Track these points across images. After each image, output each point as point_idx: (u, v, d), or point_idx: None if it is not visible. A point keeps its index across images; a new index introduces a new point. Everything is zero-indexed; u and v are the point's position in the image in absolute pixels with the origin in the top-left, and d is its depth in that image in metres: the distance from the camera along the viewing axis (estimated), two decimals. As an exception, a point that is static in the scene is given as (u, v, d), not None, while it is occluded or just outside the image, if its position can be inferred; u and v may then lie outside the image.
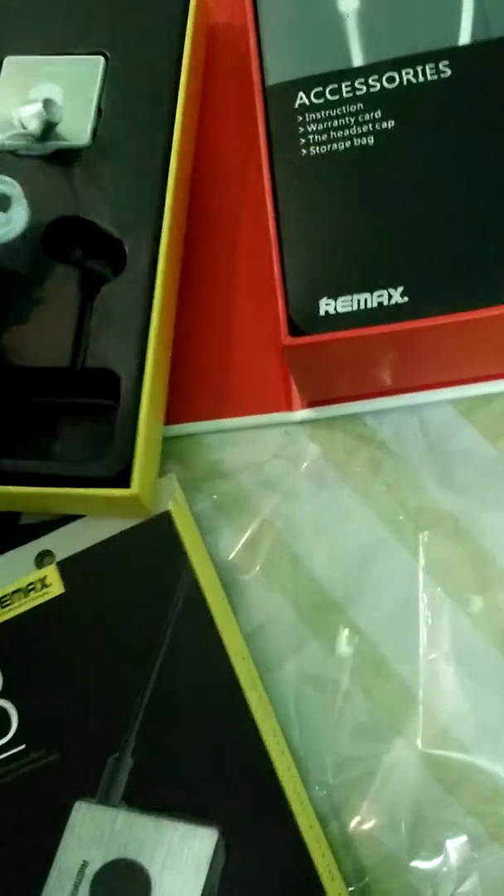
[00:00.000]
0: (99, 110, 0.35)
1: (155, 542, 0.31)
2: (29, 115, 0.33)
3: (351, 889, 0.28)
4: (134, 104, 0.35)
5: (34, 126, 0.33)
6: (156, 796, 0.28)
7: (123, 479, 0.30)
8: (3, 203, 0.32)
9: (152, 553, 0.31)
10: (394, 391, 0.33)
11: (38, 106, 0.33)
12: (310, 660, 0.31)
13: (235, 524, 0.33)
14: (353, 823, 0.29)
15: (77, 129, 0.35)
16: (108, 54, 0.36)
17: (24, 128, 0.34)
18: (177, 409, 0.34)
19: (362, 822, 0.29)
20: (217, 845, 0.27)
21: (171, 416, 0.34)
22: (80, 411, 0.33)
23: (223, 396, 0.34)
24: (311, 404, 0.34)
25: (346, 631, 0.31)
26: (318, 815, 0.29)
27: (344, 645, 0.31)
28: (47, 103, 0.34)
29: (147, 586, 0.30)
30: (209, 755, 0.28)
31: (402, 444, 0.33)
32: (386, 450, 0.33)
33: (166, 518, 0.31)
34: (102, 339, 0.32)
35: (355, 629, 0.31)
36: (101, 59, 0.36)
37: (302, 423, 0.34)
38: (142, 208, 0.33)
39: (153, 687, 0.29)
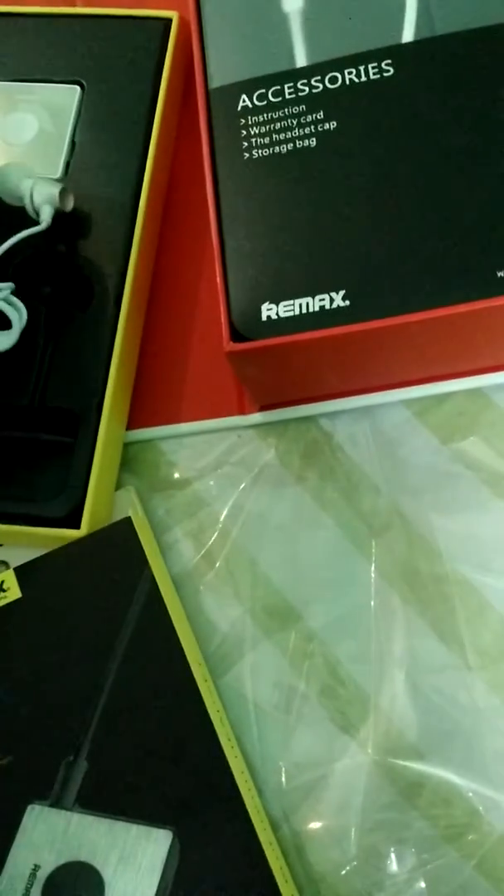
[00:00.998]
0: (73, 143, 0.35)
1: (115, 548, 0.31)
2: (42, 202, 0.32)
3: (302, 894, 0.28)
4: (108, 137, 0.35)
5: (46, 215, 0.32)
6: (110, 799, 0.28)
7: (74, 520, 0.30)
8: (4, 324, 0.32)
9: (112, 559, 0.31)
10: (347, 393, 0.33)
11: (55, 193, 0.32)
12: (263, 663, 0.31)
13: (190, 529, 0.33)
14: (304, 828, 0.29)
15: (49, 161, 0.34)
16: (84, 83, 0.36)
17: (37, 213, 0.32)
18: (131, 414, 0.34)
19: (313, 827, 0.29)
20: (171, 847, 0.27)
21: (127, 422, 0.34)
22: (40, 448, 0.33)
23: (177, 402, 0.34)
24: (264, 408, 0.33)
25: (302, 635, 0.31)
26: (271, 820, 0.29)
27: (299, 649, 0.31)
28: (63, 193, 0.32)
29: (106, 591, 0.30)
30: (164, 758, 0.28)
31: (355, 446, 0.33)
32: (340, 452, 0.33)
33: (127, 524, 0.31)
34: (63, 377, 0.32)
35: (310, 633, 0.31)
36: (78, 88, 0.36)
37: (255, 426, 0.34)
38: (111, 244, 0.33)
39: (110, 690, 0.29)
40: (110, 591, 0.30)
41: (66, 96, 0.35)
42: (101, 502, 0.31)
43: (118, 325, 0.32)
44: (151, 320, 0.35)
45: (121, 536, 0.31)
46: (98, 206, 0.34)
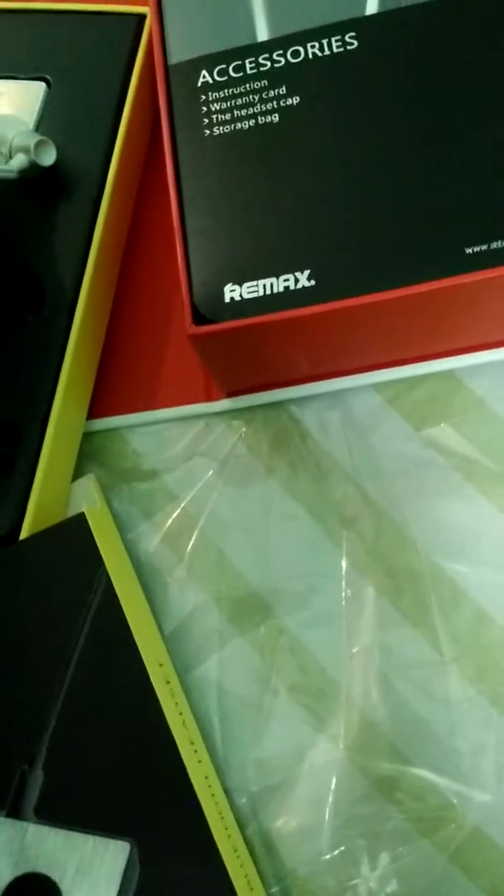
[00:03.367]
0: None
1: (67, 547, 0.29)
2: (18, 146, 0.31)
3: (273, 891, 0.28)
4: (72, 136, 0.33)
5: (17, 163, 0.31)
6: (68, 809, 0.27)
7: (12, 537, 0.29)
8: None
9: (64, 558, 0.29)
10: (316, 377, 0.32)
11: (33, 142, 0.31)
12: (233, 658, 0.30)
13: (157, 521, 0.32)
14: (275, 825, 0.28)
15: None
16: (50, 80, 0.34)
17: (7, 156, 0.31)
18: (95, 403, 0.33)
19: (285, 824, 0.28)
20: (130, 858, 0.26)
21: (90, 411, 0.33)
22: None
23: (143, 389, 0.33)
24: (231, 394, 0.33)
25: (272, 628, 0.30)
26: (241, 819, 0.28)
27: (269, 642, 0.30)
28: (41, 145, 0.31)
29: (59, 592, 0.29)
30: (122, 767, 0.27)
31: (325, 433, 0.32)
32: (310, 439, 0.32)
33: (80, 521, 0.30)
34: (7, 387, 0.30)
35: (281, 626, 0.30)
36: (44, 84, 0.34)
37: (222, 413, 0.33)
38: (70, 246, 0.32)
39: (65, 697, 0.28)
40: (64, 591, 0.29)
41: (32, 92, 0.34)
42: (44, 518, 0.30)
43: (71, 333, 0.30)
44: (117, 306, 0.34)
45: (74, 533, 0.29)
46: (60, 206, 0.32)
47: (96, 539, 0.29)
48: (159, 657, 0.29)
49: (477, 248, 0.26)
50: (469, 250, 0.26)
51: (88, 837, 0.26)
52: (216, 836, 0.26)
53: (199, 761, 0.28)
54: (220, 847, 0.26)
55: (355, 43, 0.29)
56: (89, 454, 0.33)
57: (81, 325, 0.31)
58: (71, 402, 0.31)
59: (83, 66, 0.34)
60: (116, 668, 0.28)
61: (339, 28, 0.29)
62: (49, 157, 0.32)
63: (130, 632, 0.28)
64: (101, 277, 0.32)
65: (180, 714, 0.28)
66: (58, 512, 0.31)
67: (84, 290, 0.31)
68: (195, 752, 0.28)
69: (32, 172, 0.31)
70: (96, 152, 0.33)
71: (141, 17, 0.35)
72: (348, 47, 0.29)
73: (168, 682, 0.29)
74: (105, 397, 0.33)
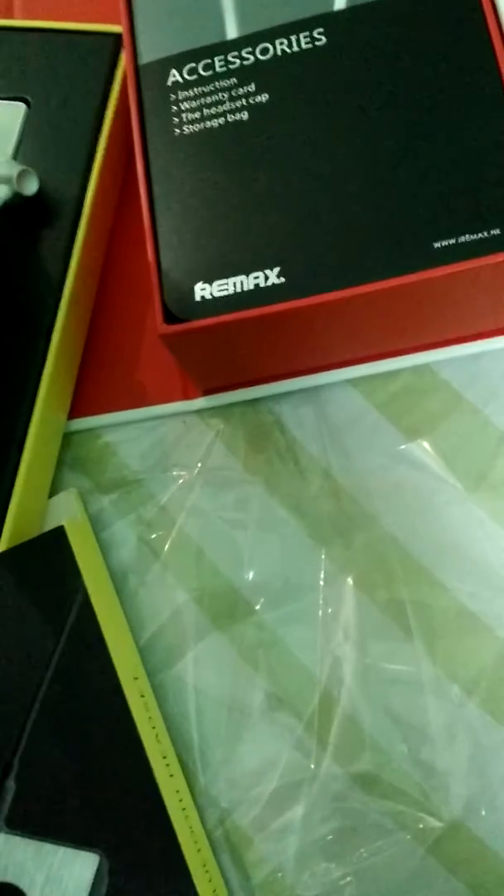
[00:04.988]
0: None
1: (46, 560, 0.29)
2: (0, 177, 0.31)
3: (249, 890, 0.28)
4: (54, 157, 0.33)
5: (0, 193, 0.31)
6: (38, 820, 0.27)
7: None
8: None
9: (42, 571, 0.29)
10: (291, 374, 0.32)
11: (15, 172, 0.31)
12: (210, 655, 0.30)
13: (134, 520, 0.32)
14: (251, 820, 0.28)
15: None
16: (30, 100, 0.34)
17: None
18: (72, 403, 0.33)
19: (263, 818, 0.28)
20: (99, 869, 0.26)
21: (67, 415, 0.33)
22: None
23: (121, 389, 0.33)
24: (208, 392, 0.33)
25: (250, 625, 0.30)
26: (213, 834, 0.29)
27: (248, 639, 0.30)
28: (23, 175, 0.31)
29: (36, 606, 0.29)
30: (94, 780, 0.27)
31: (302, 429, 0.32)
32: (287, 435, 0.32)
33: (60, 535, 0.30)
34: None
35: (259, 623, 0.30)
36: (23, 105, 0.33)
37: (199, 411, 0.33)
38: (49, 272, 0.31)
39: (38, 710, 0.28)
40: (41, 605, 0.29)
41: (11, 113, 0.33)
42: (23, 528, 0.30)
43: (49, 351, 0.30)
44: (94, 307, 0.34)
45: (52, 548, 0.29)
46: (38, 231, 0.32)
47: (75, 553, 0.29)
48: (134, 671, 0.29)
49: (444, 243, 0.26)
50: (437, 245, 0.26)
51: (58, 848, 0.26)
52: (185, 850, 0.26)
53: (171, 775, 0.28)
54: (188, 861, 0.27)
55: (323, 39, 0.29)
56: (67, 455, 0.33)
57: (60, 343, 0.31)
58: (50, 417, 0.31)
59: (62, 86, 0.34)
60: (91, 682, 0.28)
61: (307, 24, 0.29)
62: (32, 187, 0.31)
63: (106, 646, 0.28)
64: (80, 293, 0.32)
65: (153, 728, 0.28)
66: (37, 522, 0.31)
67: (62, 310, 0.31)
68: (167, 765, 0.28)
69: (14, 201, 0.31)
70: (75, 173, 0.33)
71: (118, 36, 0.34)
72: (317, 43, 0.29)
73: (142, 696, 0.29)
74: (83, 397, 0.33)
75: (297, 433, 0.32)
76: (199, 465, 0.32)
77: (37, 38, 0.34)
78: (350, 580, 0.31)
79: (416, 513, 0.31)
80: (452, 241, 0.26)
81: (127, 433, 0.33)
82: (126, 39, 0.31)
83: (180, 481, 0.32)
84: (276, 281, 0.27)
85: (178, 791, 0.28)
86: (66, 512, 0.31)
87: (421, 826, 0.28)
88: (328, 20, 0.29)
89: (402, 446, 0.32)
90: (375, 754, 0.29)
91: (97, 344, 0.34)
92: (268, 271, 0.27)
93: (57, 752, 0.27)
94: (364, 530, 0.31)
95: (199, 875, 0.26)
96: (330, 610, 0.30)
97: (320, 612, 0.30)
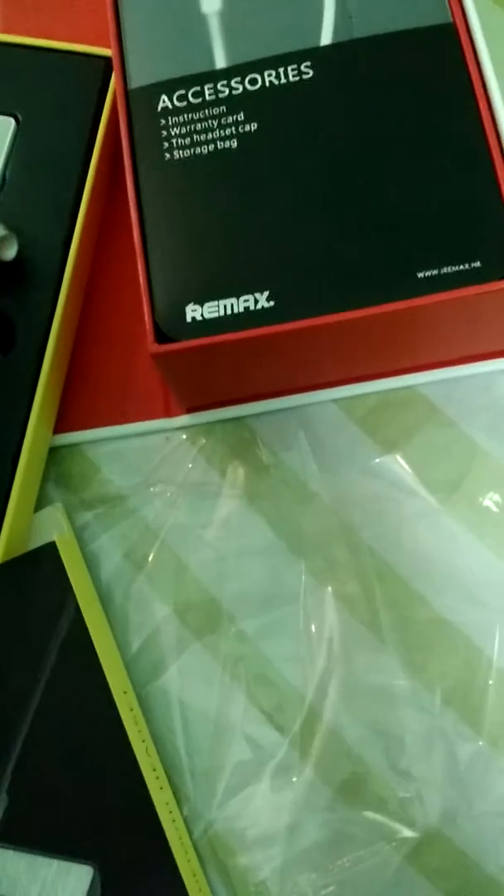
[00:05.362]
0: (3, 178, 0.33)
1: (37, 576, 0.30)
2: None
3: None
4: (42, 174, 0.33)
5: None
6: (31, 833, 0.27)
7: None
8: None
9: (34, 586, 0.30)
10: (276, 393, 0.33)
11: None
12: (193, 667, 0.31)
13: (118, 534, 0.32)
14: (235, 830, 0.29)
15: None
16: (19, 116, 0.34)
17: None
18: (57, 418, 0.33)
19: (245, 830, 0.29)
20: (93, 882, 0.26)
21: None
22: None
23: (101, 405, 0.34)
24: (191, 409, 0.33)
25: (233, 637, 0.31)
26: (198, 845, 0.29)
27: (231, 652, 0.31)
28: (3, 240, 0.31)
29: (28, 620, 0.29)
30: (86, 792, 0.28)
31: (284, 447, 0.33)
32: (269, 453, 0.33)
33: (51, 550, 0.30)
34: None
35: (242, 635, 0.31)
36: (12, 120, 0.34)
37: (182, 428, 0.33)
38: (39, 287, 0.32)
39: (31, 723, 0.28)
40: (33, 619, 0.29)
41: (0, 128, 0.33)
42: (10, 546, 0.30)
43: (42, 370, 0.31)
44: (79, 324, 0.35)
45: (44, 563, 0.30)
46: (27, 247, 0.32)
47: (66, 568, 0.29)
48: (123, 685, 0.29)
49: (428, 273, 0.27)
50: (420, 275, 0.27)
51: (51, 861, 0.27)
52: (178, 861, 0.27)
53: (161, 787, 0.28)
54: (181, 871, 0.27)
55: (311, 72, 0.30)
56: (50, 470, 0.33)
57: (52, 361, 0.31)
58: (41, 434, 0.31)
59: (52, 104, 0.34)
60: (84, 696, 0.28)
61: (295, 57, 0.30)
62: (11, 252, 0.32)
63: (98, 660, 0.29)
64: (70, 316, 0.33)
65: (143, 741, 0.29)
66: (24, 538, 0.31)
67: (54, 330, 0.31)
68: (157, 778, 0.28)
69: None
70: (65, 191, 0.33)
71: (109, 59, 0.34)
72: (304, 76, 0.30)
73: (132, 710, 0.29)
74: (67, 413, 0.34)
75: (277, 448, 0.33)
76: (182, 480, 0.33)
77: (29, 54, 0.34)
78: (330, 592, 0.31)
79: (392, 525, 0.32)
80: (436, 272, 0.27)
81: (110, 449, 0.34)
82: (116, 64, 0.31)
83: (163, 497, 0.33)
84: (266, 304, 0.28)
85: (167, 803, 0.28)
86: (51, 527, 0.31)
87: (400, 836, 0.29)
88: (315, 54, 0.30)
89: (378, 459, 0.33)
90: (356, 765, 0.29)
91: (82, 361, 0.34)
92: (257, 295, 0.28)
93: (50, 765, 0.28)
94: (343, 543, 0.32)
95: (190, 886, 0.27)
96: (311, 622, 0.31)
97: (301, 625, 0.31)
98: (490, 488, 0.32)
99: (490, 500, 0.31)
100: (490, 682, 0.30)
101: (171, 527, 0.32)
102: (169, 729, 0.30)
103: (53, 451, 0.34)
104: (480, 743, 0.29)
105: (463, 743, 0.29)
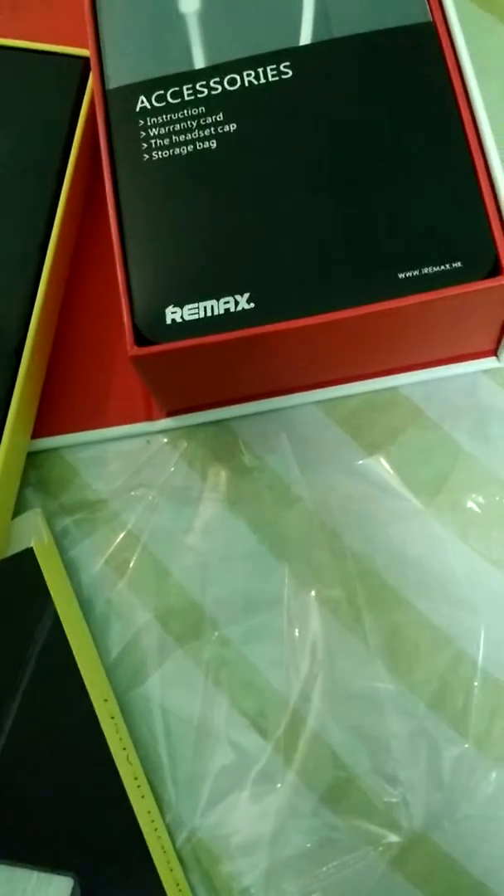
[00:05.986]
0: None
1: (15, 583, 0.29)
2: None
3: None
4: (18, 177, 0.32)
5: None
6: (11, 844, 0.27)
7: None
8: None
9: (12, 593, 0.29)
10: (257, 396, 0.33)
11: None
12: (175, 673, 0.31)
13: (99, 539, 0.32)
14: (220, 838, 0.29)
15: None
16: None
17: None
18: (35, 423, 0.33)
19: (230, 837, 0.29)
20: (73, 893, 0.26)
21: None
22: None
23: (82, 409, 0.33)
24: (172, 412, 0.33)
25: (216, 643, 0.31)
26: (181, 853, 0.29)
27: (214, 657, 0.31)
28: None
29: (5, 628, 0.29)
30: (67, 802, 0.27)
31: (267, 449, 0.33)
32: (251, 455, 0.33)
33: (28, 556, 0.30)
34: None
35: (225, 640, 0.31)
36: None
37: (163, 432, 0.33)
38: (14, 295, 0.31)
39: (10, 733, 0.28)
40: (11, 627, 0.29)
41: None
42: None
43: (18, 376, 0.30)
44: (57, 327, 0.34)
45: (21, 570, 0.29)
46: (2, 249, 0.32)
47: (45, 575, 0.29)
48: (104, 693, 0.29)
49: (409, 274, 0.27)
50: (402, 275, 0.27)
51: (31, 873, 0.26)
52: (159, 871, 0.27)
53: (143, 796, 0.28)
54: (163, 881, 0.27)
55: (290, 72, 0.30)
56: (29, 474, 0.33)
57: (29, 364, 0.31)
58: (18, 439, 0.31)
59: (30, 104, 0.33)
60: (63, 705, 0.28)
61: (274, 57, 0.30)
62: None
63: (77, 668, 0.28)
64: (48, 312, 0.32)
65: (124, 749, 0.28)
66: (1, 546, 0.31)
67: (31, 333, 0.31)
68: (139, 787, 0.28)
69: None
70: (43, 192, 0.32)
71: (87, 60, 0.34)
72: (283, 76, 0.30)
73: (112, 718, 0.29)
74: (46, 417, 0.33)
75: (259, 452, 0.33)
76: (163, 484, 0.33)
77: (5, 55, 0.34)
78: (313, 596, 0.31)
79: (375, 528, 0.32)
80: (416, 273, 0.27)
81: (90, 453, 0.33)
82: (94, 64, 0.31)
83: (144, 501, 0.33)
84: (246, 306, 0.27)
85: (149, 812, 0.28)
86: (30, 533, 0.30)
87: (386, 840, 0.28)
88: (294, 54, 0.30)
89: (362, 462, 0.32)
90: (341, 770, 0.29)
91: (61, 364, 0.34)
92: (238, 297, 0.28)
93: (29, 775, 0.27)
94: (326, 546, 0.32)
95: (172, 895, 0.26)
96: (294, 626, 0.31)
97: (284, 629, 0.31)
98: (473, 490, 0.31)
99: (473, 502, 0.31)
100: (475, 684, 0.30)
101: (152, 531, 0.32)
102: (151, 736, 0.30)
103: (32, 456, 0.33)
104: (466, 746, 0.29)
105: (448, 746, 0.29)
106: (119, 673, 0.31)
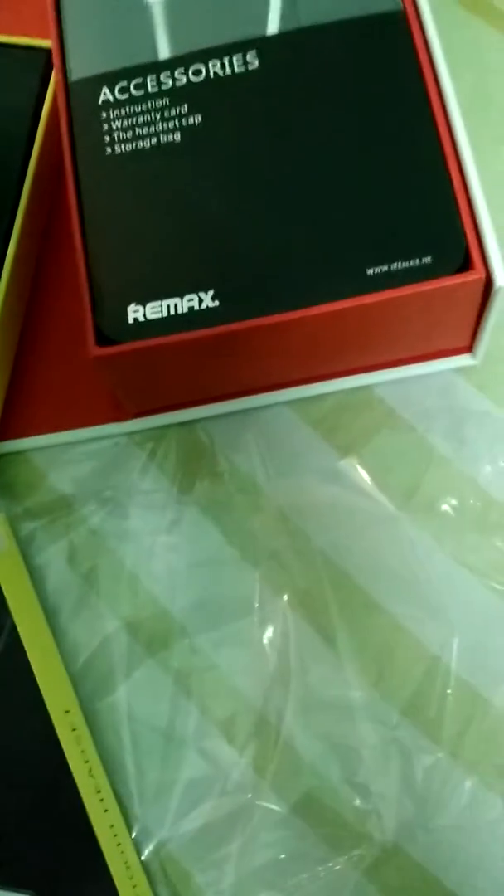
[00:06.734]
0: None
1: None
2: None
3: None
4: None
5: None
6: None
7: None
8: None
9: None
10: (227, 396, 0.32)
11: None
12: (144, 682, 0.30)
13: (65, 546, 0.31)
14: (183, 868, 0.28)
15: None
16: None
17: None
18: None
19: (199, 848, 0.28)
20: None
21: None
22: None
23: (48, 410, 0.32)
24: (141, 413, 0.32)
25: (185, 650, 0.30)
26: (150, 866, 0.28)
27: (183, 665, 0.30)
28: None
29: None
30: (23, 817, 0.27)
31: (237, 451, 0.32)
32: (221, 457, 0.32)
33: None
34: None
35: (195, 647, 0.30)
36: None
37: (132, 434, 0.32)
38: None
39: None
40: None
41: None
42: None
43: None
44: (22, 326, 0.34)
45: None
46: None
47: (2, 584, 0.28)
48: (66, 704, 0.28)
49: (377, 270, 0.26)
50: (370, 271, 0.26)
51: None
52: (120, 888, 0.26)
53: (106, 810, 0.27)
54: None
55: (256, 62, 0.29)
56: (-6, 477, 0.32)
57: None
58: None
59: None
60: (18, 717, 0.27)
61: (240, 47, 0.29)
62: None
63: (35, 680, 0.27)
64: (11, 314, 0.31)
65: (86, 762, 0.28)
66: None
67: None
68: (101, 800, 0.27)
69: None
70: (4, 194, 0.32)
71: (49, 52, 0.33)
72: (249, 66, 0.29)
73: (74, 730, 0.28)
74: (10, 419, 0.32)
75: (230, 453, 0.32)
76: (131, 488, 0.32)
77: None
78: (285, 601, 0.30)
79: (348, 532, 0.31)
80: (385, 268, 0.26)
81: (57, 456, 0.32)
82: (55, 55, 0.30)
83: (112, 505, 0.32)
84: (211, 304, 0.27)
85: (112, 826, 0.27)
86: (-8, 541, 0.30)
87: (357, 851, 0.28)
88: (261, 44, 0.29)
89: (335, 464, 0.32)
90: (312, 779, 0.28)
91: (26, 364, 0.33)
92: (202, 294, 0.27)
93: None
94: (298, 551, 0.31)
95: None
96: (265, 633, 0.30)
97: (256, 635, 0.30)
98: (448, 493, 0.31)
99: (448, 505, 0.31)
100: (448, 691, 0.29)
101: (120, 536, 0.31)
102: (119, 747, 0.29)
103: (-4, 460, 0.32)
104: (440, 755, 0.28)
105: (421, 755, 0.28)
106: (86, 683, 0.30)
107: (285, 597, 0.30)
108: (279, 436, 0.32)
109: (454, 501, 0.31)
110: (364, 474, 0.31)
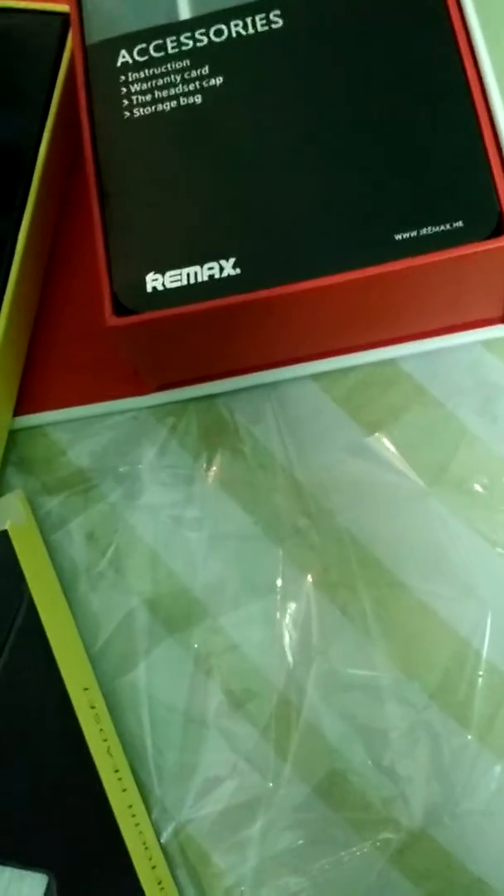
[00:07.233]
0: None
1: None
2: None
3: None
4: None
5: None
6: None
7: None
8: None
9: None
10: (249, 369, 0.31)
11: None
12: (164, 661, 0.29)
13: (84, 522, 0.31)
14: (209, 832, 0.27)
15: None
16: None
17: None
18: (18, 399, 0.32)
19: (221, 831, 0.27)
20: (48, 890, 0.25)
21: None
22: None
23: (66, 384, 0.32)
24: (161, 387, 0.31)
25: (207, 629, 0.29)
26: (168, 848, 0.28)
27: (204, 645, 0.29)
28: None
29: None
30: (41, 797, 0.26)
31: (260, 425, 0.31)
32: (244, 432, 0.31)
33: (3, 540, 0.28)
34: None
35: (216, 627, 0.29)
36: None
37: (152, 408, 0.31)
38: None
39: (-20, 724, 0.26)
40: None
41: None
42: None
43: None
44: (41, 300, 0.33)
45: None
46: None
47: (20, 558, 0.28)
48: (84, 681, 0.28)
49: (406, 235, 0.25)
50: (398, 237, 0.25)
51: (4, 869, 0.25)
52: (138, 868, 0.25)
53: (124, 790, 0.27)
54: (142, 879, 0.26)
55: (280, 21, 0.28)
56: (12, 453, 0.32)
57: (5, 338, 0.29)
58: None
59: (7, 66, 0.32)
60: (37, 695, 0.27)
61: (263, 6, 0.28)
62: None
63: (53, 656, 0.27)
64: (26, 283, 0.31)
65: (105, 741, 0.27)
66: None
67: (6, 305, 0.29)
68: (120, 780, 0.27)
69: None
70: (21, 159, 0.31)
71: (66, 17, 0.32)
72: (273, 26, 0.28)
73: (93, 707, 0.27)
74: (28, 393, 0.32)
75: (253, 428, 0.31)
76: (152, 462, 0.31)
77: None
78: (309, 580, 0.30)
79: (375, 509, 0.30)
80: (414, 234, 0.25)
81: (76, 430, 0.32)
82: (73, 18, 0.29)
83: (132, 480, 0.31)
84: (232, 272, 0.26)
85: (130, 806, 0.26)
86: (9, 515, 0.29)
87: (383, 836, 0.27)
88: (285, 2, 0.28)
89: (361, 440, 0.31)
90: (336, 762, 0.28)
91: (44, 337, 0.32)
92: (223, 262, 0.26)
93: (3, 768, 0.26)
94: (323, 528, 0.30)
95: (153, 893, 0.25)
96: (288, 612, 0.29)
97: (278, 615, 0.29)
98: (479, 471, 0.30)
99: (479, 484, 0.30)
100: (479, 673, 0.28)
101: (140, 512, 0.31)
102: (139, 726, 0.29)
103: (14, 434, 0.32)
104: (469, 738, 0.27)
105: (450, 738, 0.27)
106: (105, 660, 0.29)
107: (309, 576, 0.30)
108: (302, 410, 0.31)
109: (485, 480, 0.30)
110: (393, 451, 0.30)
